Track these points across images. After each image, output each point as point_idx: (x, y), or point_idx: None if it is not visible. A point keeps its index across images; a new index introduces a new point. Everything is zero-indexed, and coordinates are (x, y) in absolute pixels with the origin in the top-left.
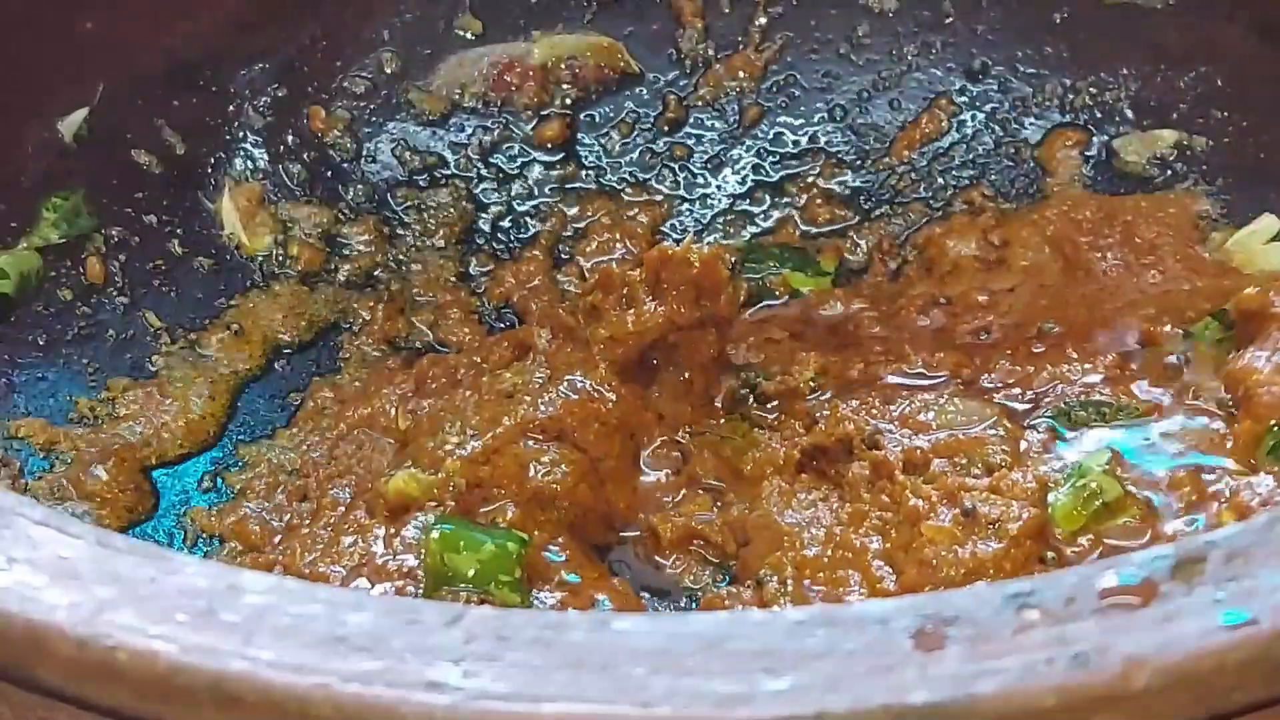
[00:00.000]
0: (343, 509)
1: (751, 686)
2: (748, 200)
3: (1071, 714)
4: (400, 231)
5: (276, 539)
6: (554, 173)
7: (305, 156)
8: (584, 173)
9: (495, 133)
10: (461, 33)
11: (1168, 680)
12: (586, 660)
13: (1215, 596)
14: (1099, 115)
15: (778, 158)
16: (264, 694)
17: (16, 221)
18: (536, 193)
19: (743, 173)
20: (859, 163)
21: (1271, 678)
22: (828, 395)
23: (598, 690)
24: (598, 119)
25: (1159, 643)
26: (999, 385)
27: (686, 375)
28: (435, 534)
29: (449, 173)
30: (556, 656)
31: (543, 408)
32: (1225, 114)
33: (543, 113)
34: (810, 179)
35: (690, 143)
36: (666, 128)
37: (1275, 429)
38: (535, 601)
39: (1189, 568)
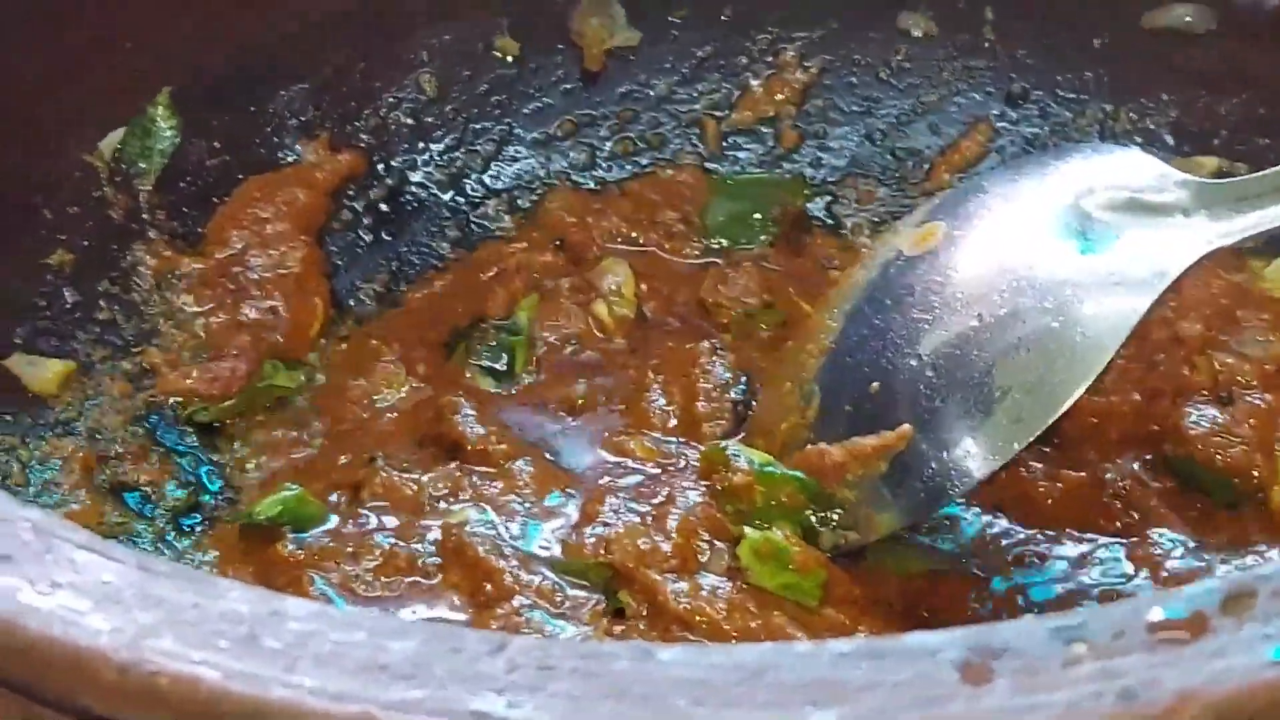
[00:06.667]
0: None
1: (796, 718)
2: None
3: None
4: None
5: None
6: None
7: None
8: None
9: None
10: (499, 55)
11: (1216, 715)
12: (629, 690)
13: (1265, 632)
14: (1139, 141)
15: (816, 182)
16: None
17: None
18: None
19: None
20: (898, 187)
21: None
22: None
23: None
24: (636, 143)
25: (1208, 677)
26: None
27: None
28: None
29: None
30: (599, 686)
31: None
32: (1266, 141)
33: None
34: (849, 203)
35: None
36: (704, 151)
37: None
38: None
39: (1239, 602)
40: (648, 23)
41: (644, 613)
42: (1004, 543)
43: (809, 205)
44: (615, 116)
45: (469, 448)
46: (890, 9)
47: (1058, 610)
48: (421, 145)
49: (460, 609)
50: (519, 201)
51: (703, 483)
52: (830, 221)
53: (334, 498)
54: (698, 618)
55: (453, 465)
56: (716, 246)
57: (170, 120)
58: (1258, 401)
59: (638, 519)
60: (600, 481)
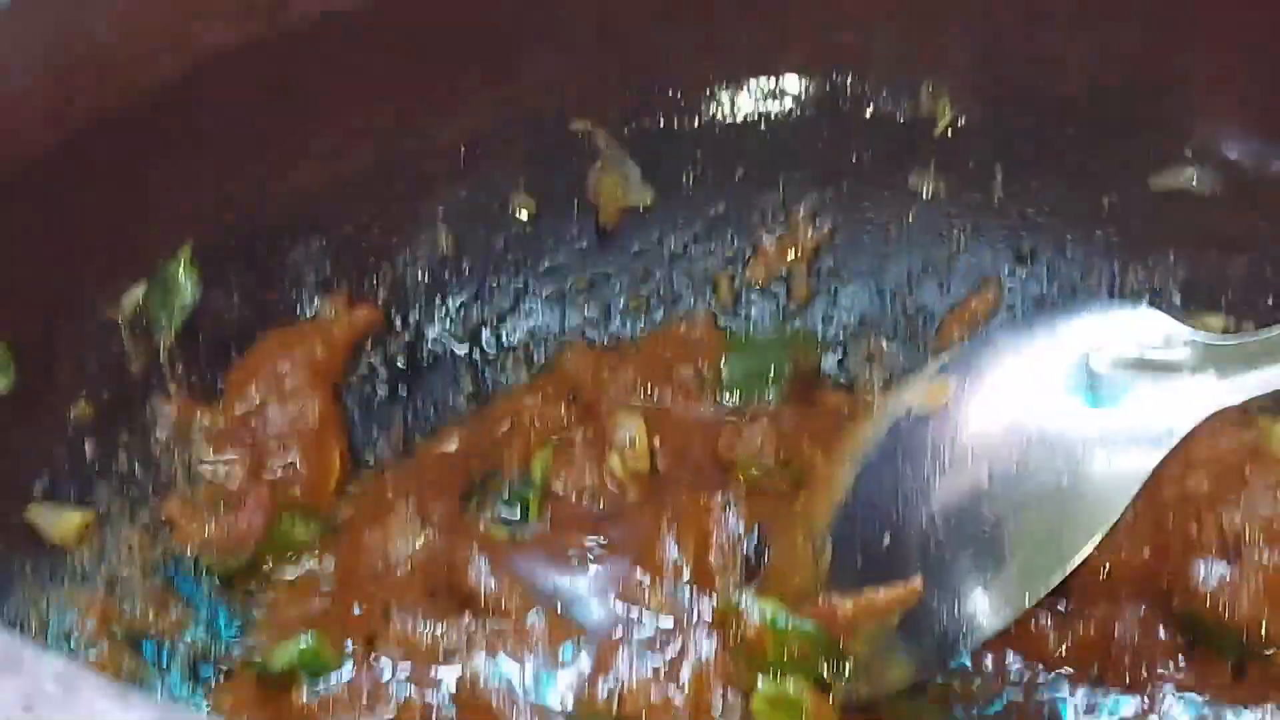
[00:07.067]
0: None
1: None
2: None
3: None
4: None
5: None
6: None
7: None
8: None
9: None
10: (516, 212)
11: None
12: None
13: None
14: (1146, 300)
15: (828, 338)
16: None
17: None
18: None
19: None
20: (908, 343)
21: None
22: None
23: None
24: (650, 299)
25: None
26: None
27: None
28: None
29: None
30: None
31: None
32: (1273, 302)
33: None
34: (860, 359)
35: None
36: (717, 308)
37: None
38: None
39: None
40: (662, 181)
41: None
42: (1014, 694)
43: (821, 361)
44: (629, 273)
45: (483, 599)
46: (901, 169)
47: None
48: (438, 300)
49: None
50: (534, 356)
51: (716, 634)
52: (842, 377)
53: (349, 647)
54: None
55: (467, 616)
56: (730, 401)
57: (191, 275)
58: (1266, 559)
59: (651, 670)
60: (613, 633)
